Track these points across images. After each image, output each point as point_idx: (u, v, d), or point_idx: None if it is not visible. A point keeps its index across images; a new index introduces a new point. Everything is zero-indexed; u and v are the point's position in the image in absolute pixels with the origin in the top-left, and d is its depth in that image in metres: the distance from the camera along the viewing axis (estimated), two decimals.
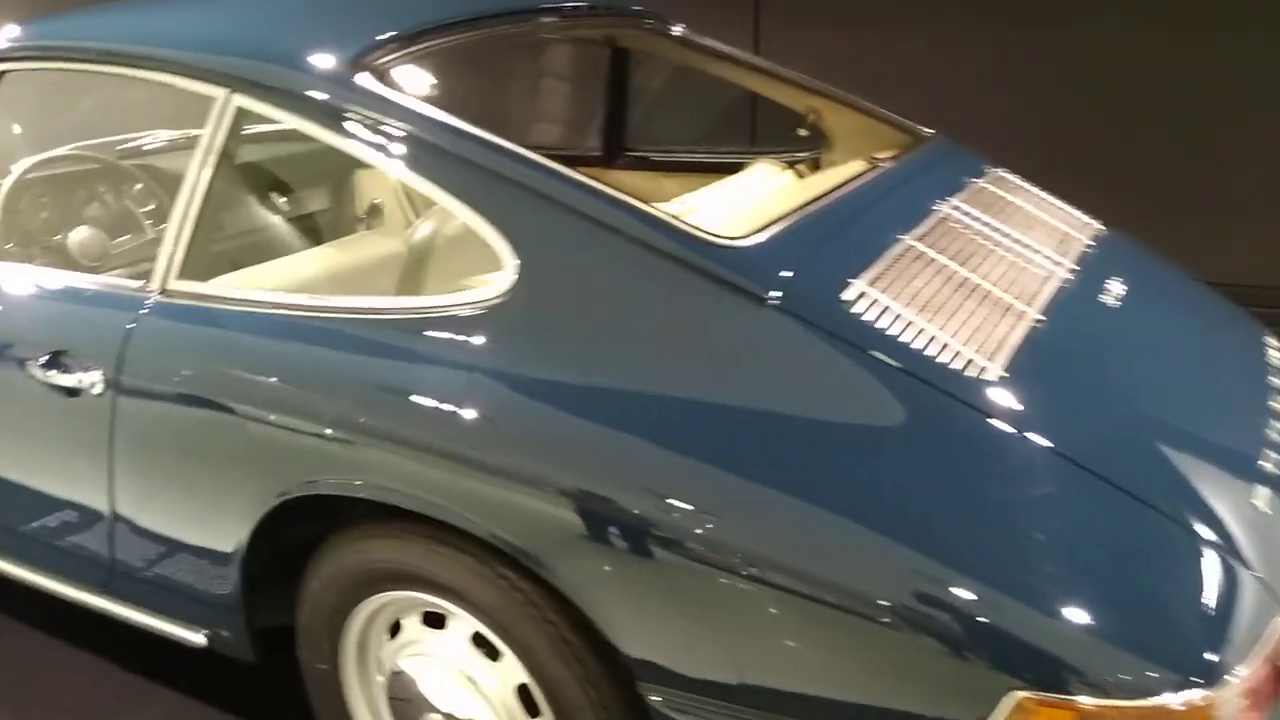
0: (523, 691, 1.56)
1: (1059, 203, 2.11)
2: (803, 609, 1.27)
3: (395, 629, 1.70)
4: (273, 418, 1.60)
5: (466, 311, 1.51)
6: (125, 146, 2.87)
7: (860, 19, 3.80)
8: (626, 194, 1.50)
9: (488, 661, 1.58)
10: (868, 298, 1.45)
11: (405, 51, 1.77)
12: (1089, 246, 1.89)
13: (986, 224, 1.79)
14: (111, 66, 1.85)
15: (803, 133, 2.48)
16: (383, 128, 1.61)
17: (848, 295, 1.45)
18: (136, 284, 1.86)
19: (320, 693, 1.79)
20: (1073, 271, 1.76)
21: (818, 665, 1.29)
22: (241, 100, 1.72)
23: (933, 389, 1.35)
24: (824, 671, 1.29)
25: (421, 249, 1.89)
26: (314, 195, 3.07)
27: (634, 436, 1.37)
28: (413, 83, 1.71)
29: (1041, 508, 1.28)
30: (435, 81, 1.82)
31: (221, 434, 1.67)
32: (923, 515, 1.26)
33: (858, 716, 1.27)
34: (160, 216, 2.65)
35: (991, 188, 1.97)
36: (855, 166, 2.17)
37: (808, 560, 1.27)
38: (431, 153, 1.57)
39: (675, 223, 1.49)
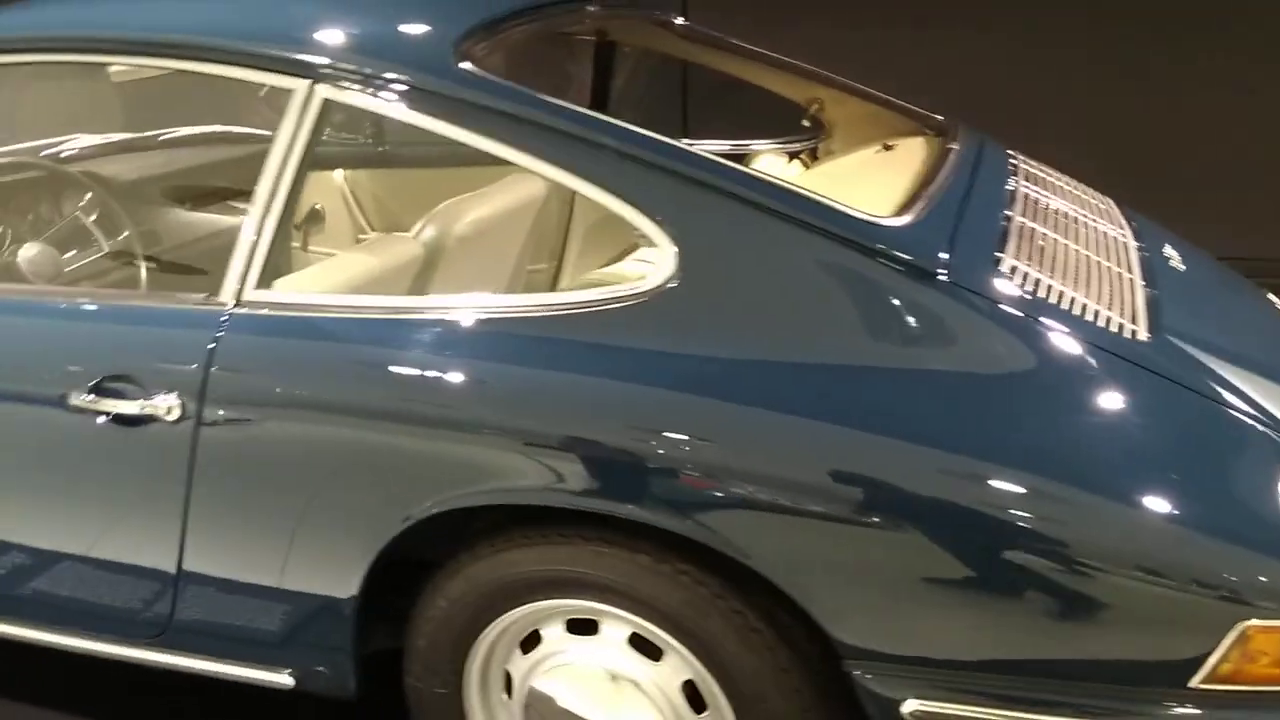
0: (686, 688, 1.53)
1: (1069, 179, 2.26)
2: (1020, 570, 1.32)
3: (527, 643, 1.63)
4: (406, 432, 1.50)
5: (627, 303, 1.46)
6: (48, 153, 2.61)
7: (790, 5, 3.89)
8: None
9: (648, 662, 1.54)
10: (1019, 270, 1.51)
11: (492, 40, 1.69)
12: (1126, 216, 2.04)
13: (1051, 200, 1.90)
14: (155, 59, 1.68)
15: (805, 124, 2.54)
16: (503, 115, 1.54)
17: (1004, 268, 1.51)
18: (197, 296, 1.70)
19: (435, 718, 1.69)
20: (1135, 238, 1.89)
21: (1038, 624, 1.34)
22: (329, 92, 1.60)
23: (1107, 354, 1.42)
24: (1046, 628, 1.33)
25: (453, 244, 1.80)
26: (234, 206, 2.88)
27: (828, 418, 1.38)
28: (509, 70, 1.64)
29: (1237, 459, 1.38)
30: (520, 69, 1.75)
31: (338, 456, 1.55)
32: (1134, 473, 1.32)
33: (1085, 669, 1.32)
34: (110, 228, 2.42)
35: (1029, 167, 2.08)
36: (881, 153, 2.26)
37: (1027, 523, 1.31)
38: (568, 141, 1.52)
39: (834, 204, 1.50)
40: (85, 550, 1.75)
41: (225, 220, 2.79)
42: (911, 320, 1.44)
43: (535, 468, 1.46)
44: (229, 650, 1.73)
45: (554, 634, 1.59)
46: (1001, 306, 1.44)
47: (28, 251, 2.18)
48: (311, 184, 3.03)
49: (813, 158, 2.57)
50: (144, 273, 2.38)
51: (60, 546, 1.76)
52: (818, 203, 1.49)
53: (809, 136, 2.56)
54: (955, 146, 1.92)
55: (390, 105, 1.58)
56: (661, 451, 1.40)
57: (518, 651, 1.63)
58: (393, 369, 1.53)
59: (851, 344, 1.43)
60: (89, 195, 2.43)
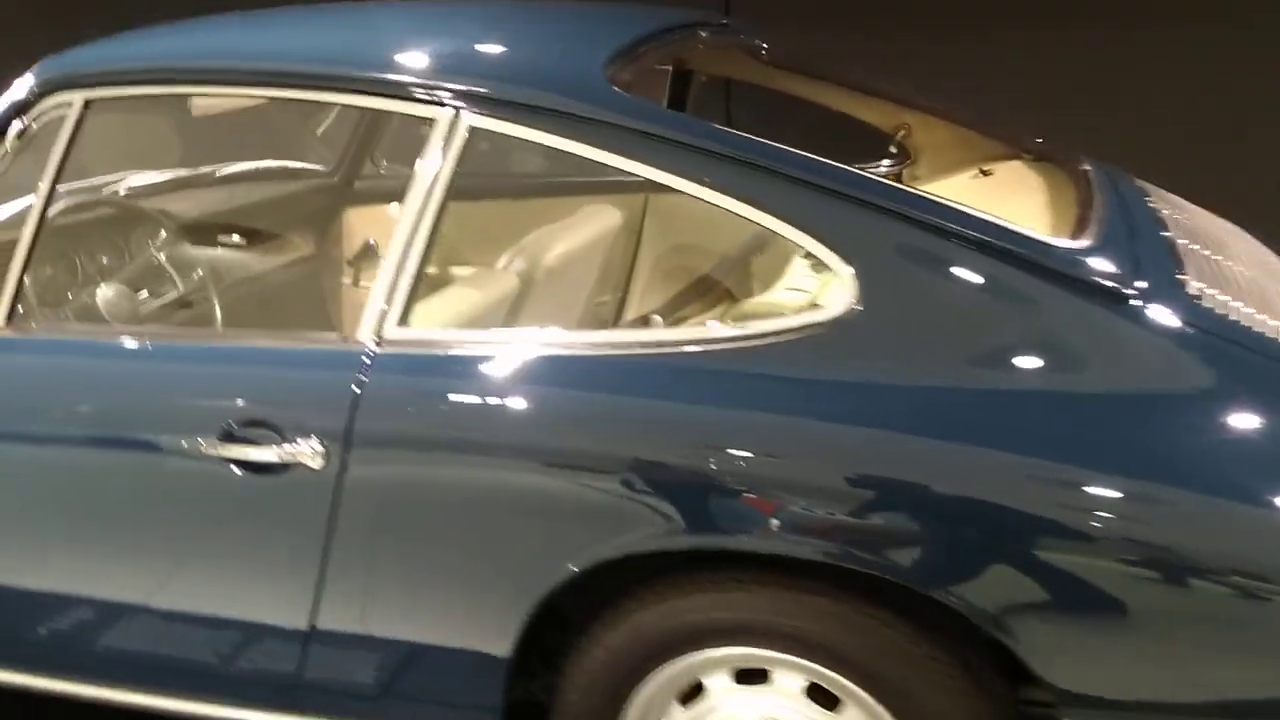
0: None
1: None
2: (1240, 603, 1.26)
3: (689, 694, 1.55)
4: (573, 476, 1.43)
5: (809, 334, 1.40)
6: (109, 189, 2.52)
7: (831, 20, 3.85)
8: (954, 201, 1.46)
9: (825, 713, 1.46)
10: (1205, 293, 1.47)
11: (628, 66, 1.64)
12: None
13: (1191, 219, 1.86)
14: (293, 90, 1.61)
15: (892, 150, 2.50)
16: (664, 141, 1.48)
17: (1190, 290, 1.46)
18: (331, 336, 1.62)
19: None
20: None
21: (1250, 661, 1.28)
22: (477, 120, 1.53)
23: None
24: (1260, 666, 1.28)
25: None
26: (293, 241, 2.80)
27: (1035, 450, 1.32)
28: (659, 97, 1.59)
29: None
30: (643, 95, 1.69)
31: (497, 503, 1.47)
32: None
33: None
34: (181, 266, 2.33)
35: (1147, 186, 2.05)
36: (980, 177, 2.22)
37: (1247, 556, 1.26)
38: (735, 167, 1.46)
39: (1016, 226, 1.45)
40: (206, 606, 1.65)
41: (287, 256, 2.72)
42: (1107, 346, 1.38)
43: (717, 510, 1.39)
44: (362, 710, 1.63)
45: (719, 684, 1.51)
46: (1198, 330, 1.39)
47: (105, 293, 2.10)
48: (367, 218, 2.99)
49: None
50: (219, 312, 2.30)
51: (179, 604, 1.67)
52: (998, 225, 1.44)
53: (896, 162, 2.53)
54: (1088, 168, 1.88)
55: (540, 133, 1.52)
56: (857, 490, 1.34)
57: (676, 705, 1.55)
58: (557, 409, 1.46)
59: (1046, 370, 1.38)
60: (162, 233, 2.35)
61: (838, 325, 1.40)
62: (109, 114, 1.76)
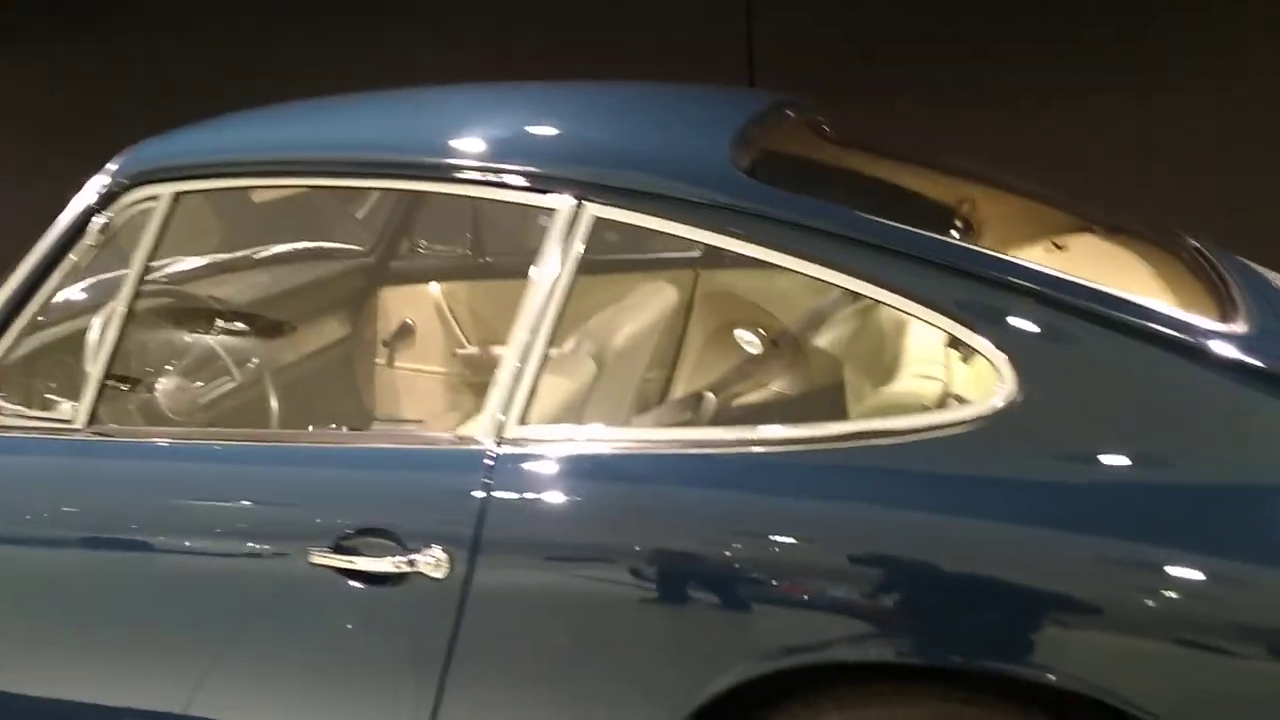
0: None
1: None
2: None
3: None
4: (726, 583, 1.34)
5: (968, 427, 1.34)
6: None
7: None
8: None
9: None
10: None
11: (747, 151, 1.59)
12: None
13: None
14: (404, 181, 1.55)
15: (957, 224, 2.48)
16: (799, 228, 1.43)
17: None
18: (444, 435, 1.54)
19: None
20: None
21: None
22: (600, 210, 1.48)
23: None
24: None
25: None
26: (328, 324, 2.73)
27: (1218, 549, 1.26)
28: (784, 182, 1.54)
29: None
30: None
31: (636, 612, 1.38)
32: None
33: None
34: (235, 353, 2.25)
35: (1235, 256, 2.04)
36: (1054, 252, 2.19)
37: None
38: (881, 255, 1.40)
39: (1173, 310, 1.41)
40: None
41: (328, 338, 2.64)
42: (1265, 427, 1.34)
43: (890, 619, 1.31)
44: None
45: None
46: None
47: (165, 385, 2.01)
48: (403, 297, 2.92)
49: None
50: (275, 404, 2.21)
51: None
52: (1155, 310, 1.40)
53: (961, 237, 2.50)
54: (1195, 243, 1.86)
55: (669, 222, 1.46)
56: (1039, 592, 1.27)
57: None
58: (708, 510, 1.38)
59: (1215, 462, 1.32)
60: (217, 320, 2.27)
61: (997, 419, 1.33)
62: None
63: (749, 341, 1.56)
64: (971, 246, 1.45)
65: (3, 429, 1.68)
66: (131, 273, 1.66)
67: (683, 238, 1.48)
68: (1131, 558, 1.26)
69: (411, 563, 1.42)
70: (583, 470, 1.43)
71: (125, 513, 1.58)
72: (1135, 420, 1.34)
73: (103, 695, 1.64)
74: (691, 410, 1.78)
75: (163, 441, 1.69)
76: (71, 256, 1.69)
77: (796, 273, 1.44)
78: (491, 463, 1.44)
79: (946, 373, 1.56)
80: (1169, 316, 1.39)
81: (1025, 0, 3.90)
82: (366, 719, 1.52)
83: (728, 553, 1.35)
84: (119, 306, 1.65)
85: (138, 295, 1.66)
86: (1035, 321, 1.38)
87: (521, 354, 1.47)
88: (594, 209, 1.48)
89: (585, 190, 1.48)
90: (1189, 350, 1.35)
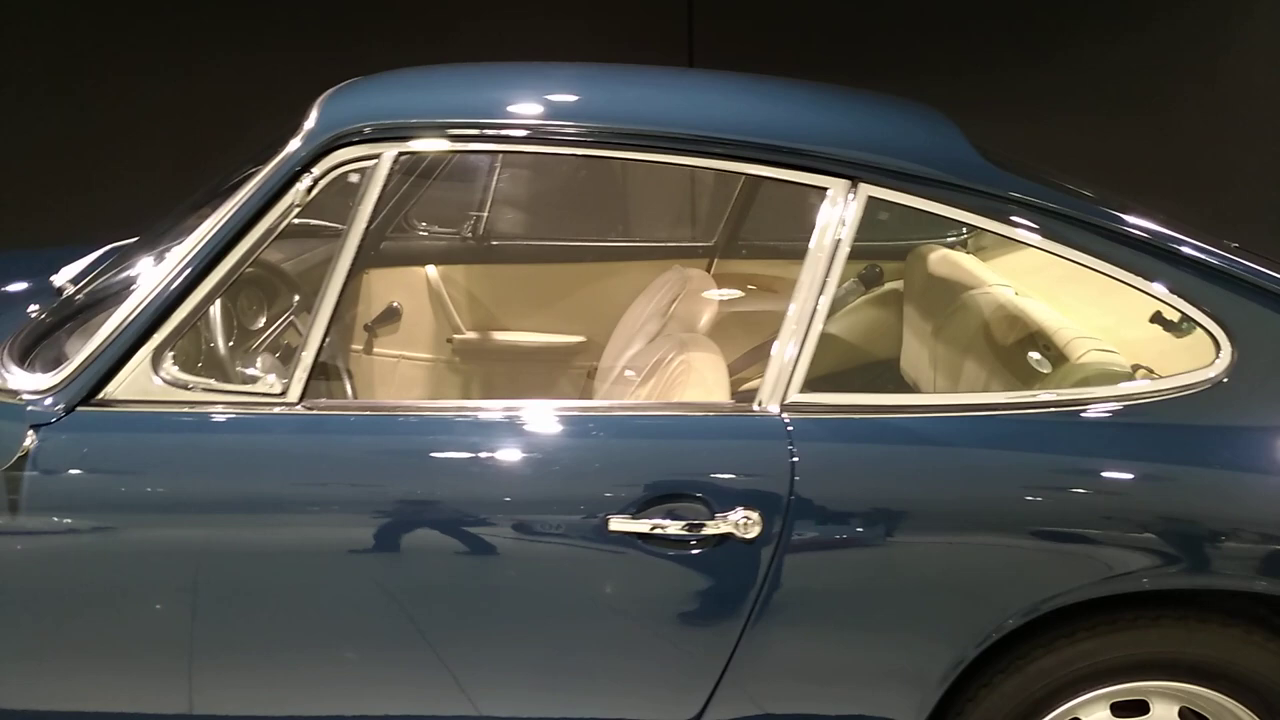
0: None
1: None
2: None
3: None
4: (1012, 532, 1.49)
5: (1199, 389, 1.56)
6: None
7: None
8: None
9: None
10: None
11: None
12: None
13: None
14: (696, 157, 1.59)
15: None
16: (1048, 213, 1.60)
17: None
18: (728, 404, 1.58)
19: None
20: None
21: None
22: (874, 190, 1.58)
23: None
24: None
25: None
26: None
27: None
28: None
29: None
30: None
31: (930, 565, 1.51)
32: None
33: None
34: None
35: None
36: None
37: None
38: (1128, 243, 1.60)
39: None
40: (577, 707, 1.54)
41: None
42: None
43: (1151, 552, 1.50)
44: None
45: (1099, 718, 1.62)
46: None
47: (263, 363, 1.87)
48: (394, 280, 2.79)
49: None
50: (350, 384, 2.10)
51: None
52: None
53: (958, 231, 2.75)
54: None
55: (937, 205, 1.59)
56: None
57: None
58: (996, 466, 1.52)
59: None
60: (296, 298, 2.11)
61: (1220, 381, 1.56)
62: None
63: (1038, 361, 1.74)
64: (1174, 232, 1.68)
65: (207, 405, 1.52)
66: (348, 239, 1.54)
67: (949, 219, 1.62)
68: None
69: (727, 524, 1.46)
70: (875, 433, 1.53)
71: (377, 492, 1.49)
72: None
73: (375, 673, 1.56)
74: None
75: (414, 416, 1.59)
76: (269, 218, 1.55)
77: (1045, 251, 1.61)
78: (786, 426, 1.51)
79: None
80: None
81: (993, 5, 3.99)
82: (654, 674, 1.54)
83: (1008, 505, 1.49)
84: (335, 278, 1.52)
85: (356, 264, 1.54)
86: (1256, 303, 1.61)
87: (804, 324, 1.54)
88: (868, 190, 1.58)
89: (861, 171, 1.58)
90: None
